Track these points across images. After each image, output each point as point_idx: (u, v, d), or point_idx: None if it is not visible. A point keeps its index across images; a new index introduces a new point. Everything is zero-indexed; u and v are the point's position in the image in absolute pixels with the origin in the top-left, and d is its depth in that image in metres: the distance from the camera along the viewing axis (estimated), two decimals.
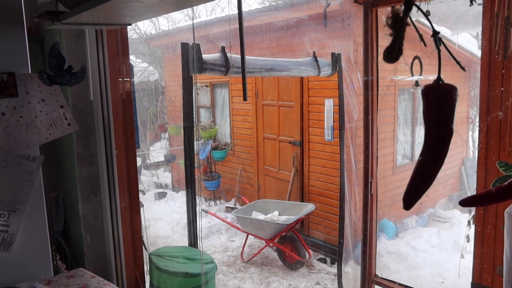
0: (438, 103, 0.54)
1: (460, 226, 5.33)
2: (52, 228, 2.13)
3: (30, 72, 1.67)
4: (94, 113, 2.25)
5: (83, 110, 2.23)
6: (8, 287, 1.53)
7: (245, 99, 1.39)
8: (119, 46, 2.27)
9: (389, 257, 4.82)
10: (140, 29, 9.52)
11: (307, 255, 4.78)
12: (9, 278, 1.66)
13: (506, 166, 0.81)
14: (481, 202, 0.77)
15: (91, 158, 2.28)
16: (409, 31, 0.56)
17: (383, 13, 4.12)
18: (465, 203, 0.68)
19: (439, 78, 0.55)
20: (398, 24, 0.46)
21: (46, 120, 1.71)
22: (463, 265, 3.79)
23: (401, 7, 0.45)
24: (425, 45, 0.55)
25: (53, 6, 1.79)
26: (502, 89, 2.61)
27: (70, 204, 2.43)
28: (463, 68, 0.57)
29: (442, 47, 0.54)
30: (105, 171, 2.27)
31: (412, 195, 0.59)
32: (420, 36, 0.53)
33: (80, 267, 1.92)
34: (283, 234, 4.71)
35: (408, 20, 0.46)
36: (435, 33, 0.52)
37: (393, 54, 0.48)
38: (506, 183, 0.66)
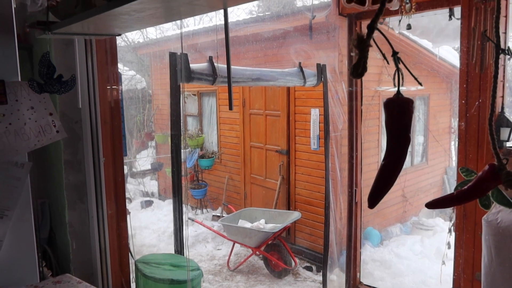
0: (398, 115, 0.60)
1: (442, 234, 5.44)
2: (38, 235, 2.14)
3: (19, 80, 1.70)
4: (82, 120, 2.28)
5: (71, 118, 2.25)
6: None
7: (230, 108, 1.44)
8: (108, 55, 2.31)
9: (374, 264, 4.90)
10: (128, 37, 9.54)
11: (293, 263, 4.82)
12: None
13: (467, 172, 0.88)
14: (444, 204, 0.84)
15: (78, 165, 2.30)
16: (394, 45, 0.63)
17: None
18: (430, 205, 0.75)
19: (398, 92, 0.62)
20: (362, 45, 0.52)
21: (34, 127, 1.73)
22: (445, 272, 3.87)
23: (364, 31, 0.51)
24: (387, 62, 0.61)
25: (43, 16, 1.83)
26: (480, 100, 2.72)
27: (57, 211, 2.43)
28: (420, 84, 0.63)
29: (401, 65, 0.60)
30: (92, 178, 2.29)
31: (376, 195, 0.65)
32: (383, 55, 0.60)
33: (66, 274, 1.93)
34: (269, 242, 4.74)
35: (371, 41, 0.53)
36: (394, 53, 0.58)
37: (358, 71, 0.54)
38: (465, 186, 0.73)
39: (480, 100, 2.72)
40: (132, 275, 2.66)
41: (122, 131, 2.41)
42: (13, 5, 1.67)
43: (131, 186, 8.19)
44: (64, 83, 1.59)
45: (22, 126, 1.70)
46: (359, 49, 0.53)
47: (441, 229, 5.68)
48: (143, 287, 2.72)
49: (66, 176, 2.26)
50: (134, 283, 2.78)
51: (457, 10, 3.37)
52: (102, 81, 2.28)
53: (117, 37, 2.31)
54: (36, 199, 2.26)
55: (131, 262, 2.61)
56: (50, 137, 1.76)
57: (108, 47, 2.27)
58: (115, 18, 1.29)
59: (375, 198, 0.65)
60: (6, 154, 1.67)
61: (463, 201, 0.75)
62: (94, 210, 2.31)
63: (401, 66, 0.59)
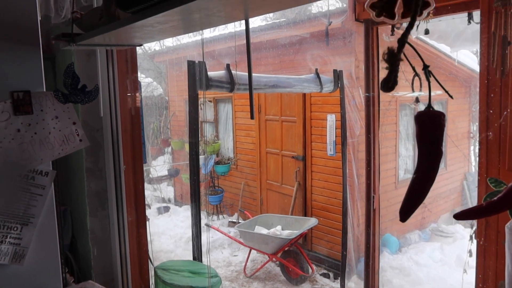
0: (429, 128, 0.60)
1: (463, 241, 5.33)
2: (61, 242, 2.18)
3: (44, 90, 1.74)
4: (104, 129, 2.32)
5: (93, 126, 2.30)
6: None
7: (252, 117, 1.45)
8: (129, 64, 2.35)
9: (392, 272, 4.82)
10: (145, 45, 9.68)
11: (310, 270, 4.78)
12: None
13: (496, 182, 0.86)
14: (473, 216, 0.83)
15: (99, 172, 2.34)
16: (411, 50, 0.62)
17: (384, 31, 4.22)
18: (458, 216, 0.74)
19: (429, 105, 0.62)
20: (393, 60, 0.53)
21: (59, 136, 1.77)
22: (466, 280, 3.79)
23: (395, 46, 0.52)
24: (418, 76, 0.61)
25: (65, 27, 1.88)
26: (501, 105, 2.67)
27: (78, 217, 2.48)
28: (451, 96, 0.63)
29: (432, 78, 0.60)
30: (113, 186, 2.32)
31: (408, 209, 0.65)
32: (413, 68, 0.60)
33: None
34: (286, 248, 4.72)
35: (402, 56, 0.53)
36: (426, 67, 0.58)
37: (389, 84, 0.54)
38: (495, 198, 0.72)
39: (501, 105, 2.67)
40: (152, 282, 2.68)
41: (141, 138, 2.45)
42: (39, 17, 1.72)
43: (148, 192, 8.27)
44: (87, 93, 1.63)
45: (47, 136, 1.74)
46: (390, 63, 0.53)
47: (461, 236, 5.57)
48: None
49: (87, 183, 2.30)
50: None
51: (476, 14, 3.33)
52: (122, 90, 2.32)
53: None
54: (59, 206, 2.30)
55: (151, 268, 2.63)
56: (74, 145, 1.80)
57: (129, 56, 2.32)
58: (139, 30, 1.32)
59: (406, 211, 0.65)
60: (31, 163, 1.71)
61: (493, 212, 0.74)
62: (115, 217, 2.35)
63: (419, 74, 0.59)
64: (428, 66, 0.59)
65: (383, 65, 0.54)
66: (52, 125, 1.75)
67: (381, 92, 4.11)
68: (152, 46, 9.06)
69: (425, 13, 0.56)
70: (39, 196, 1.75)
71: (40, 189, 1.75)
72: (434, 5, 0.57)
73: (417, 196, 0.64)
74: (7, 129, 1.65)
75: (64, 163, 2.42)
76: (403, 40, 0.52)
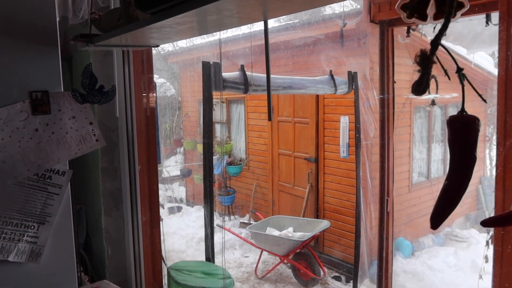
0: (462, 133, 0.59)
1: (478, 246, 5.24)
2: (77, 241, 2.20)
3: (62, 90, 1.76)
4: (119, 129, 2.33)
5: (108, 126, 2.31)
6: None
7: (270, 119, 1.45)
8: (144, 64, 2.36)
9: (406, 276, 4.76)
10: (159, 46, 9.74)
11: (321, 272, 4.75)
12: None
13: None
14: (501, 223, 0.81)
15: (114, 172, 2.35)
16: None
17: (399, 32, 4.18)
18: (486, 223, 0.72)
19: (463, 109, 0.60)
20: (426, 62, 0.51)
21: (76, 136, 1.79)
22: (482, 286, 3.73)
23: (428, 48, 0.50)
24: (449, 78, 0.60)
25: (83, 28, 1.90)
26: None
27: (93, 217, 2.49)
28: (484, 101, 0.61)
29: (466, 82, 0.58)
30: (128, 186, 2.33)
31: (439, 217, 0.63)
32: (445, 71, 0.58)
33: (101, 280, 1.97)
34: (297, 250, 4.70)
35: (435, 58, 0.51)
36: (459, 70, 0.57)
37: (421, 87, 0.53)
38: None
39: None
40: (164, 282, 2.69)
41: (156, 139, 2.45)
42: (57, 18, 1.73)
43: (160, 192, 8.30)
44: (105, 93, 1.64)
45: (64, 135, 1.75)
46: (422, 65, 0.51)
47: (476, 241, 5.48)
48: None
49: (103, 183, 2.32)
50: None
51: (494, 16, 3.27)
52: (138, 90, 2.33)
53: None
54: (74, 205, 2.32)
55: (164, 268, 2.63)
56: (90, 145, 1.81)
57: (145, 57, 2.33)
58: (157, 31, 1.32)
59: (438, 219, 0.63)
60: (48, 162, 1.73)
61: None
62: (129, 217, 2.36)
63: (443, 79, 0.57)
64: (462, 69, 0.57)
65: (414, 67, 0.52)
66: (69, 125, 1.77)
67: (395, 94, 4.07)
68: (166, 47, 9.12)
69: (458, 14, 0.54)
70: (56, 195, 1.76)
71: (57, 188, 1.76)
72: (468, 6, 0.55)
73: (449, 203, 0.63)
74: (25, 129, 1.66)
75: (80, 163, 2.44)
76: (436, 42, 0.51)
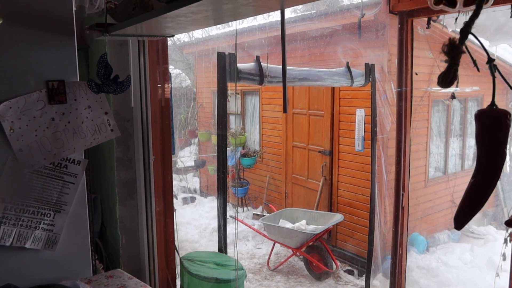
0: (492, 128, 0.55)
1: (495, 243, 5.14)
2: (92, 229, 2.22)
3: (78, 80, 1.76)
4: (134, 119, 2.34)
5: (123, 117, 2.32)
6: (53, 284, 1.61)
7: (285, 111, 1.42)
8: (160, 54, 2.36)
9: (419, 272, 4.71)
10: (175, 37, 9.75)
11: (334, 266, 4.73)
12: (52, 276, 1.74)
13: None
14: None
15: (129, 162, 2.36)
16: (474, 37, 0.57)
17: (419, 24, 4.08)
18: (510, 223, 0.69)
19: (493, 103, 0.57)
20: (454, 52, 0.48)
21: (91, 126, 1.79)
22: (499, 284, 3.66)
23: (457, 36, 0.47)
24: (478, 70, 0.56)
25: (99, 18, 1.89)
26: None
27: (108, 206, 2.52)
28: None
29: (496, 73, 0.55)
30: (142, 176, 2.34)
31: (464, 216, 0.60)
32: (474, 62, 0.55)
33: (115, 268, 1.99)
34: (310, 243, 4.69)
35: (464, 48, 0.48)
36: (490, 60, 0.53)
37: (448, 79, 0.50)
38: None
39: None
40: (177, 272, 2.71)
41: (171, 129, 2.45)
42: (74, 8, 1.73)
43: (174, 182, 8.35)
44: (120, 83, 1.64)
45: (80, 125, 1.76)
46: (451, 56, 0.48)
47: (493, 238, 5.37)
48: (188, 284, 2.76)
49: (117, 173, 2.33)
50: (179, 280, 2.83)
51: None
52: (153, 81, 2.33)
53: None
54: (90, 194, 2.35)
55: (176, 258, 2.65)
56: (105, 135, 1.81)
57: (160, 47, 2.32)
58: (172, 20, 1.31)
59: (463, 219, 0.60)
60: (64, 151, 1.74)
61: None
62: (143, 206, 2.37)
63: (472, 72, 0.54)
64: (493, 60, 0.54)
65: (441, 58, 0.49)
66: (85, 115, 1.77)
67: (414, 87, 3.98)
68: (182, 37, 9.11)
69: (491, 0, 0.51)
70: (72, 184, 1.78)
71: (72, 177, 1.78)
72: None
73: (476, 202, 0.59)
74: (42, 118, 1.68)
75: (95, 153, 2.46)
76: (466, 30, 0.48)
